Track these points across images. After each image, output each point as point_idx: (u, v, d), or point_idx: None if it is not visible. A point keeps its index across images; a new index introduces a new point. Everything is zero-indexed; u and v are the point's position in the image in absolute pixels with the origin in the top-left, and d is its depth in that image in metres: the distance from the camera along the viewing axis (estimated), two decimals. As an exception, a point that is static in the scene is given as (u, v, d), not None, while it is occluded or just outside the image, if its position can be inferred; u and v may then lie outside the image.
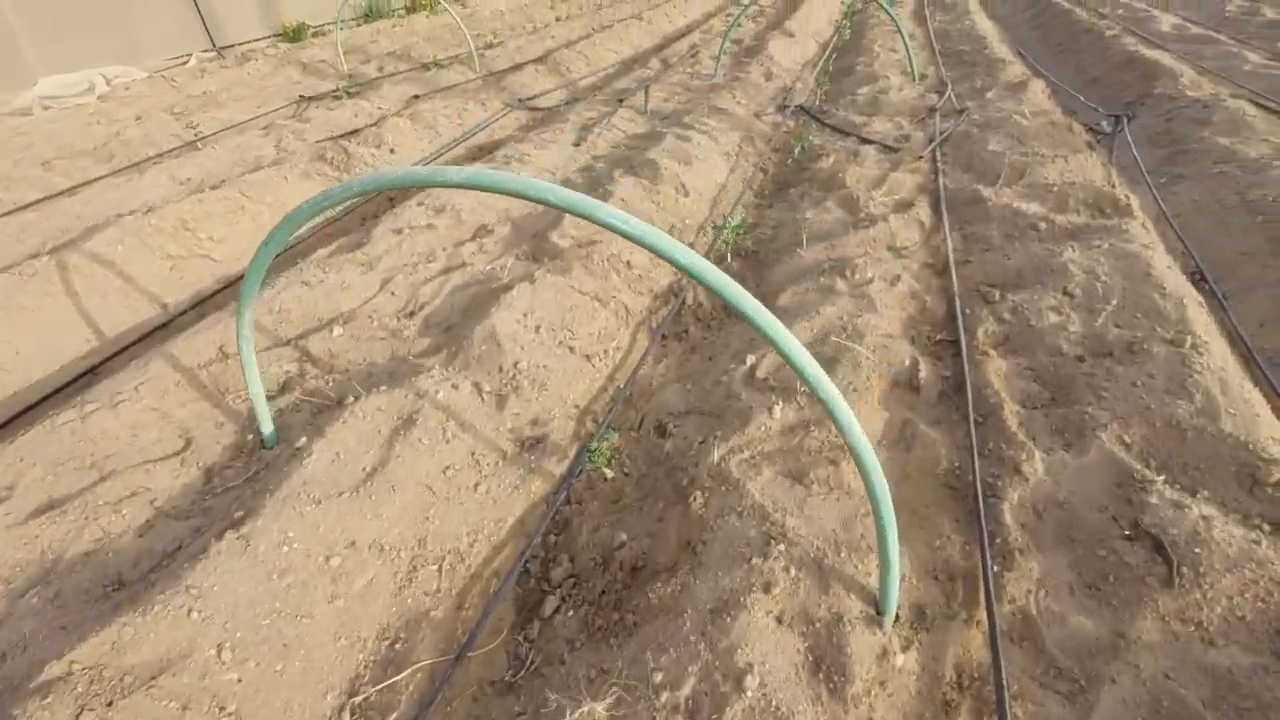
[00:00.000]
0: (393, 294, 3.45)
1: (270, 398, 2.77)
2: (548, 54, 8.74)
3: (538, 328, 3.07)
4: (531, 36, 9.84)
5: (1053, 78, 7.49)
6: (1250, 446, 2.10)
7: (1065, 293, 2.99)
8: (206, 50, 9.30)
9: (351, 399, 2.58)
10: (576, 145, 5.45)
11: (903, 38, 6.86)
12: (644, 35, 10.11)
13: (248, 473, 2.44)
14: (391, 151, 5.54)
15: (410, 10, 12.42)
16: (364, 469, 2.27)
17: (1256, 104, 5.65)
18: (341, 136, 5.87)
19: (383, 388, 2.60)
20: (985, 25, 9.38)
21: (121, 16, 8.34)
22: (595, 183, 4.69)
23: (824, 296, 3.23)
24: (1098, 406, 2.38)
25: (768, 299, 3.43)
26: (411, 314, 3.33)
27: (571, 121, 6.04)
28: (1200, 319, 2.71)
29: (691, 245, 4.07)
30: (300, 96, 7.36)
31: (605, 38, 9.49)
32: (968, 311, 3.06)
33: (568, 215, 4.00)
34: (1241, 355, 3.12)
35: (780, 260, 3.76)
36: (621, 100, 6.49)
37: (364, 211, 4.93)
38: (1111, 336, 2.69)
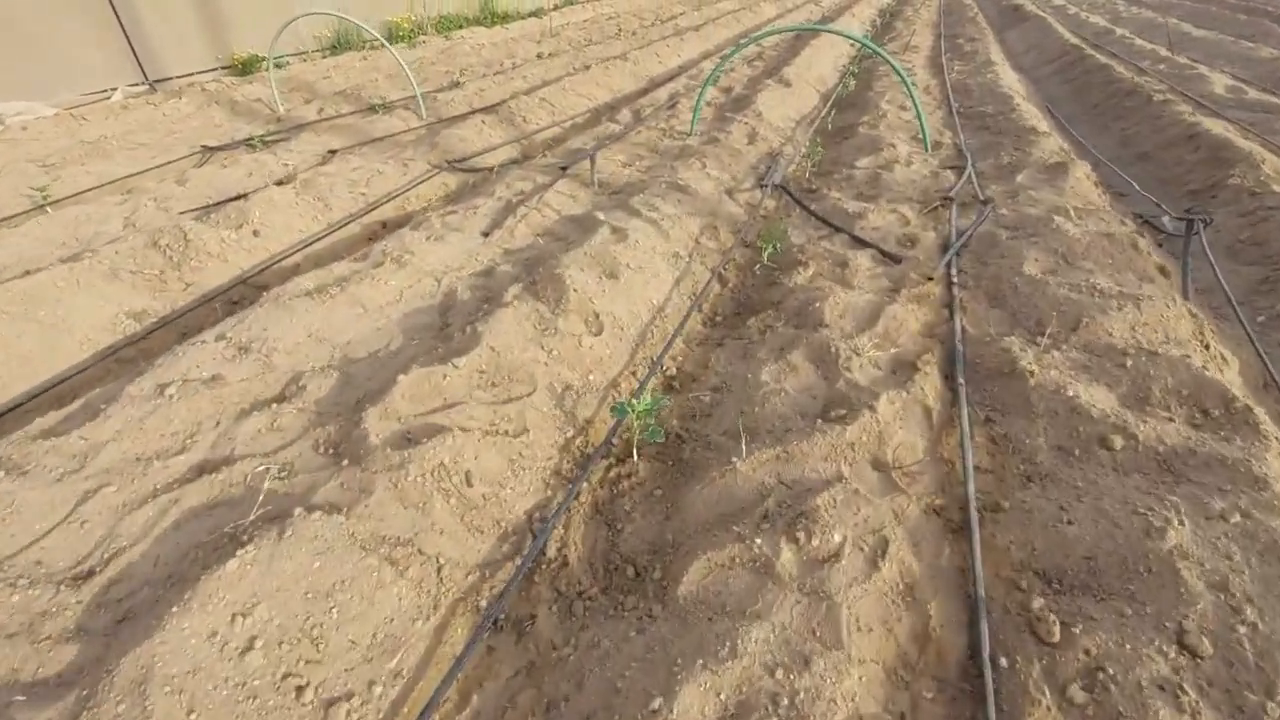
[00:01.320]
0: (82, 526, 2.12)
1: None
2: (512, 97, 7.48)
3: (250, 644, 1.72)
4: (500, 77, 8.60)
5: (1091, 148, 6.09)
6: None
7: (1181, 643, 1.59)
8: (137, 84, 8.14)
9: None
10: (487, 234, 4.13)
11: (913, 99, 5.50)
12: (626, 78, 8.83)
13: None
14: (255, 234, 4.25)
15: (388, 41, 11.25)
16: None
17: (1368, 204, 4.24)
18: (213, 206, 4.60)
19: None
20: (1010, 79, 8.00)
21: (36, 47, 7.18)
22: (478, 303, 3.35)
23: (755, 588, 1.85)
24: None
25: (670, 564, 2.06)
26: (89, 575, 1.99)
27: (497, 195, 4.73)
28: None
29: (588, 424, 2.71)
30: (204, 146, 6.13)
31: (581, 81, 8.21)
32: (1004, 661, 1.66)
33: (407, 375, 2.66)
34: None
35: (707, 470, 2.38)
36: (565, 169, 5.17)
37: (191, 323, 3.63)
38: (1302, 807, 1.29)
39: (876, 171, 5.11)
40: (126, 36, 8.01)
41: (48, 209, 4.82)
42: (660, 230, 4.07)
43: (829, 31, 5.57)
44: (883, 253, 3.80)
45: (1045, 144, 5.30)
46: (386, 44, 6.64)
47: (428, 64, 9.70)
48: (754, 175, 5.32)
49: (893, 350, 2.91)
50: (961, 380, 2.66)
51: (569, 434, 2.63)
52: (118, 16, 7.88)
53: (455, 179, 5.53)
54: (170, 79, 8.50)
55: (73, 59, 7.49)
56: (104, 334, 3.41)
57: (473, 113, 6.88)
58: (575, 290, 3.21)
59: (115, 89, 7.91)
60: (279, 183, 5.02)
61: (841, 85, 8.28)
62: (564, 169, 5.15)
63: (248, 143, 6.25)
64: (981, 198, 4.44)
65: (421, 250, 3.80)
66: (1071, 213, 4.00)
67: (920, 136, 5.86)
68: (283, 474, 2.34)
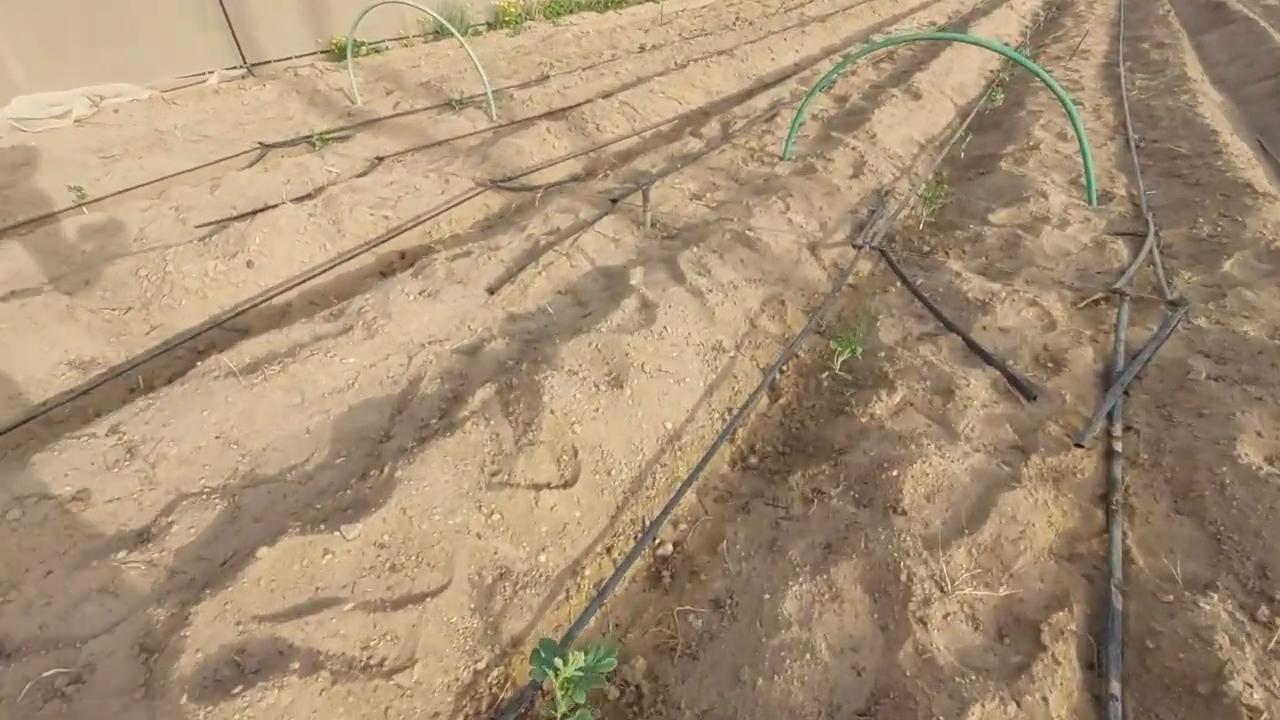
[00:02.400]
0: None
1: None
2: (593, 99, 6.61)
3: None
4: (591, 72, 7.72)
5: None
6: None
7: None
8: (234, 68, 7.94)
9: None
10: (493, 291, 3.29)
11: (1078, 130, 4.09)
12: (728, 78, 7.70)
13: None
14: (249, 265, 3.65)
15: (492, 26, 10.68)
16: None
17: None
18: (226, 222, 4.08)
19: None
20: (1212, 106, 6.16)
21: (141, 29, 7.06)
22: (440, 403, 2.53)
23: None
24: None
25: None
26: None
27: (528, 231, 3.89)
28: None
29: (514, 645, 1.82)
30: (261, 143, 5.70)
31: (674, 81, 7.18)
32: None
33: (273, 549, 1.88)
34: None
35: (656, 805, 1.44)
36: (615, 200, 4.24)
37: (146, 373, 3.06)
38: None
39: (1016, 232, 3.81)
40: (228, 19, 7.80)
41: (84, 210, 4.50)
42: (704, 307, 3.07)
43: (961, 40, 4.25)
44: (1009, 379, 2.62)
45: (1269, 211, 3.75)
46: (458, 34, 5.91)
47: (522, 54, 8.98)
48: (850, 223, 4.16)
49: (1004, 589, 1.81)
50: (1116, 689, 1.54)
51: (479, 665, 1.76)
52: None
53: (499, 200, 4.74)
54: (268, 62, 8.26)
55: (174, 41, 7.34)
56: (37, 389, 2.89)
57: (542, 117, 6.07)
58: (553, 411, 2.31)
59: (213, 72, 7.74)
60: (304, 197, 4.43)
61: (986, 98, 6.75)
62: (614, 201, 4.22)
63: (308, 140, 5.77)
64: (1169, 296, 3.09)
65: (404, 311, 3.03)
66: (1318, 341, 2.62)
67: (1083, 181, 4.44)
68: (72, 686, 1.64)
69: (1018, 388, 2.58)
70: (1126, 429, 2.37)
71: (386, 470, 2.09)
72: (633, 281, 3.23)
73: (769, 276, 3.45)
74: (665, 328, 2.85)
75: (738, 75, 7.84)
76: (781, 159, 5.03)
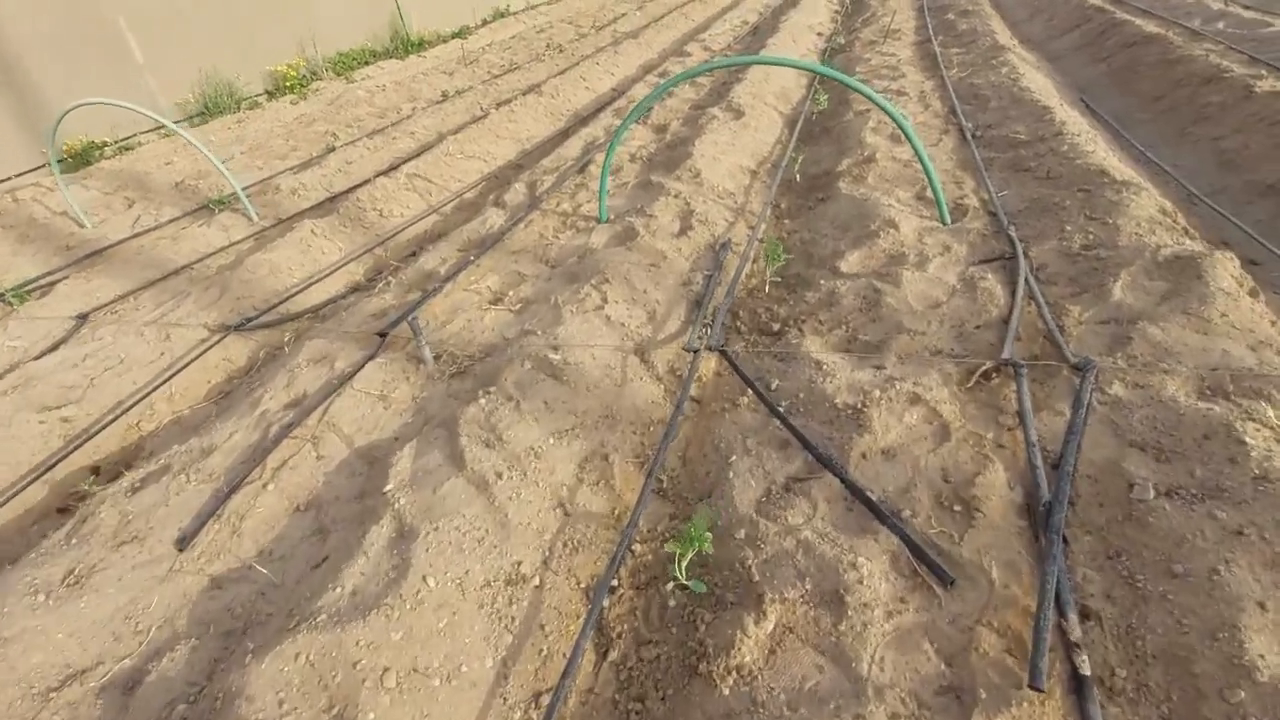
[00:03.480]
0: None
1: None
2: (386, 170, 5.53)
3: None
4: (381, 137, 6.59)
5: (1173, 173, 4.05)
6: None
7: None
8: (-78, 204, 6.21)
9: None
10: (184, 546, 2.20)
11: (916, 148, 3.47)
12: (540, 119, 6.81)
13: None
14: None
15: (273, 94, 9.27)
16: None
17: None
18: None
19: None
20: (1032, 72, 5.88)
21: None
22: None
23: None
24: None
25: None
26: None
27: (261, 408, 2.80)
28: None
29: None
30: (-78, 319, 4.22)
31: (477, 134, 6.21)
32: None
33: None
34: None
35: None
36: (384, 334, 3.22)
37: None
38: None
39: (874, 284, 3.11)
40: (-102, 147, 6.10)
41: None
42: (492, 507, 2.13)
43: (778, 64, 3.54)
44: (915, 554, 1.84)
45: (1137, 205, 3.25)
46: (173, 125, 4.65)
47: (305, 124, 7.70)
48: (685, 300, 3.35)
49: None
50: None
51: None
52: (-122, 124, 5.97)
53: (245, 347, 3.59)
54: (-25, 188, 6.57)
55: None
56: None
57: (315, 209, 4.93)
58: None
59: (-111, 216, 6.00)
60: (-58, 411, 3.12)
61: (811, 100, 6.22)
62: (383, 335, 3.20)
63: (3, 299, 4.35)
64: (1070, 356, 2.44)
65: (24, 633, 1.89)
66: (1271, 410, 2.01)
67: (929, 194, 3.86)
68: None
69: (927, 565, 1.80)
70: (1084, 617, 1.63)
71: None
72: (388, 487, 2.24)
73: (586, 418, 2.56)
74: (426, 577, 1.88)
75: (550, 114, 6.96)
76: (598, 222, 4.18)
